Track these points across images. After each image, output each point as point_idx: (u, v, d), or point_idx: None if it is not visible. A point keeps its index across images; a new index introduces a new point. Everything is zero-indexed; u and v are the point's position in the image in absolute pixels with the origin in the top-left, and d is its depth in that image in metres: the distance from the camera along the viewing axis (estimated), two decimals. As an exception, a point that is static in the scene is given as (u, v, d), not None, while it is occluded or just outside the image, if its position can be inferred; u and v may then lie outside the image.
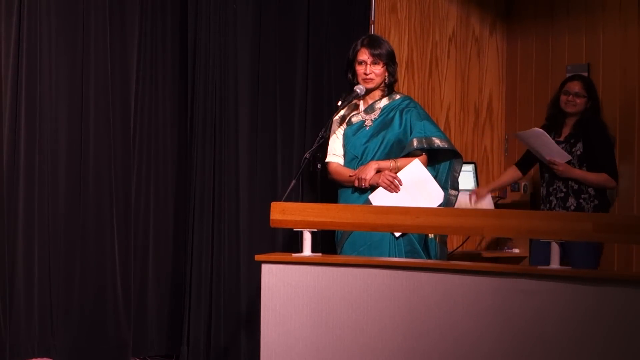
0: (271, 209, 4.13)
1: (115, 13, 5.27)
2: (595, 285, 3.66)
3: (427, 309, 3.87)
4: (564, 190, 5.41)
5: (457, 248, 6.06)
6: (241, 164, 5.41)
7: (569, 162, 5.37)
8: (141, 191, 5.40)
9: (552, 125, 5.51)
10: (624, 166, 5.57)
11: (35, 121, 5.02)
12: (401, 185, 4.74)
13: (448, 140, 4.89)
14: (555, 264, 3.79)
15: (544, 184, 5.50)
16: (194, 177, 5.31)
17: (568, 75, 5.91)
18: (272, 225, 4.16)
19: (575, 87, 5.44)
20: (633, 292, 3.60)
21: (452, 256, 5.86)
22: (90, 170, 5.19)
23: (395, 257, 4.65)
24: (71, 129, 5.16)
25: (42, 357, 5.04)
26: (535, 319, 3.73)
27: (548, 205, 5.45)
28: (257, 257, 4.12)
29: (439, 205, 4.76)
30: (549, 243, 5.38)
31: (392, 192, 4.74)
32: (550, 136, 5.47)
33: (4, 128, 4.95)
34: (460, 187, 5.02)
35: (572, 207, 5.36)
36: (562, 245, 5.40)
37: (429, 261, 4.60)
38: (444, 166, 4.92)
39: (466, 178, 6.04)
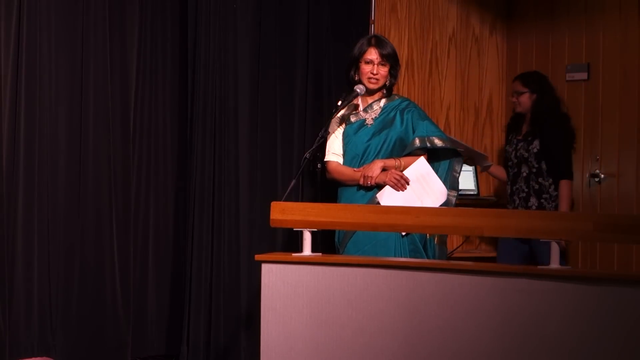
0: (271, 208, 4.13)
1: (115, 13, 5.28)
2: (595, 285, 3.66)
3: (427, 309, 3.87)
4: (526, 190, 5.48)
5: (457, 248, 6.06)
6: (241, 163, 5.41)
7: (526, 161, 5.45)
8: (141, 191, 5.40)
9: (513, 126, 5.67)
10: (624, 166, 5.58)
11: (35, 121, 5.02)
12: (408, 183, 4.75)
13: (448, 140, 4.90)
14: (555, 264, 3.79)
15: (509, 183, 5.60)
16: (194, 176, 5.31)
17: (567, 75, 5.93)
18: (272, 225, 4.15)
19: (515, 86, 5.58)
20: (633, 292, 3.60)
21: (451, 256, 5.86)
22: (90, 170, 5.19)
23: (400, 255, 4.67)
24: (71, 129, 5.17)
25: (41, 356, 5.04)
26: (535, 318, 3.73)
27: (512, 205, 5.54)
28: (257, 257, 4.12)
29: (441, 204, 4.78)
30: (516, 245, 5.46)
31: (399, 191, 4.75)
32: (512, 136, 5.58)
33: (3, 128, 4.96)
34: (460, 187, 5.04)
35: (534, 207, 5.44)
36: (529, 246, 5.48)
37: (429, 261, 4.61)
38: (443, 166, 4.93)
39: (466, 178, 6.04)
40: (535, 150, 5.44)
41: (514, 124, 5.67)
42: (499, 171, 5.81)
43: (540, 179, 5.46)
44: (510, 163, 5.60)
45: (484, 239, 6.26)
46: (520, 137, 5.56)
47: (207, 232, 5.31)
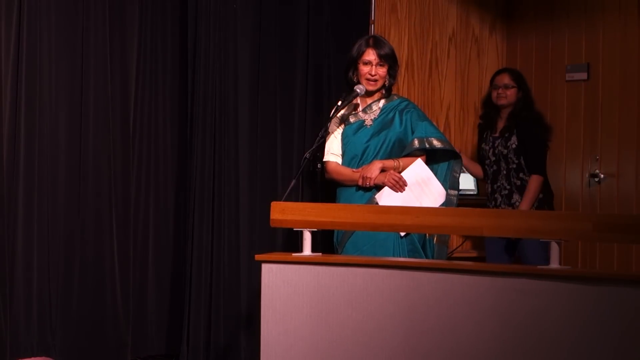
0: (271, 208, 4.13)
1: (115, 13, 5.28)
2: (595, 285, 3.66)
3: (427, 309, 3.87)
4: (508, 187, 5.48)
5: (457, 248, 6.06)
6: (241, 163, 5.41)
7: (505, 158, 5.45)
8: (141, 191, 5.40)
9: (487, 123, 5.65)
10: (624, 166, 5.58)
11: (35, 121, 5.03)
12: (406, 185, 4.76)
13: (447, 141, 4.91)
14: (555, 264, 3.79)
15: (488, 181, 5.59)
16: (194, 177, 5.31)
17: (567, 75, 5.93)
18: (272, 225, 4.16)
19: (504, 79, 5.58)
20: (633, 292, 3.60)
21: (450, 256, 5.86)
22: (90, 170, 5.19)
23: (399, 256, 4.67)
24: (71, 129, 5.17)
25: (41, 356, 5.05)
26: (535, 318, 3.73)
27: (494, 203, 5.53)
28: (257, 257, 4.12)
29: (441, 205, 4.79)
30: (503, 242, 5.47)
31: (397, 192, 4.75)
32: (487, 133, 5.58)
33: (3, 128, 4.96)
34: (461, 187, 5.04)
35: (517, 203, 5.42)
36: (514, 242, 5.49)
37: (429, 261, 4.61)
38: (442, 167, 4.94)
39: (466, 178, 6.04)
40: (514, 146, 5.46)
41: (487, 122, 5.66)
42: (475, 168, 5.78)
43: (521, 175, 5.46)
44: (487, 161, 5.59)
45: (469, 238, 6.24)
46: (496, 135, 5.56)
47: (207, 232, 5.31)
